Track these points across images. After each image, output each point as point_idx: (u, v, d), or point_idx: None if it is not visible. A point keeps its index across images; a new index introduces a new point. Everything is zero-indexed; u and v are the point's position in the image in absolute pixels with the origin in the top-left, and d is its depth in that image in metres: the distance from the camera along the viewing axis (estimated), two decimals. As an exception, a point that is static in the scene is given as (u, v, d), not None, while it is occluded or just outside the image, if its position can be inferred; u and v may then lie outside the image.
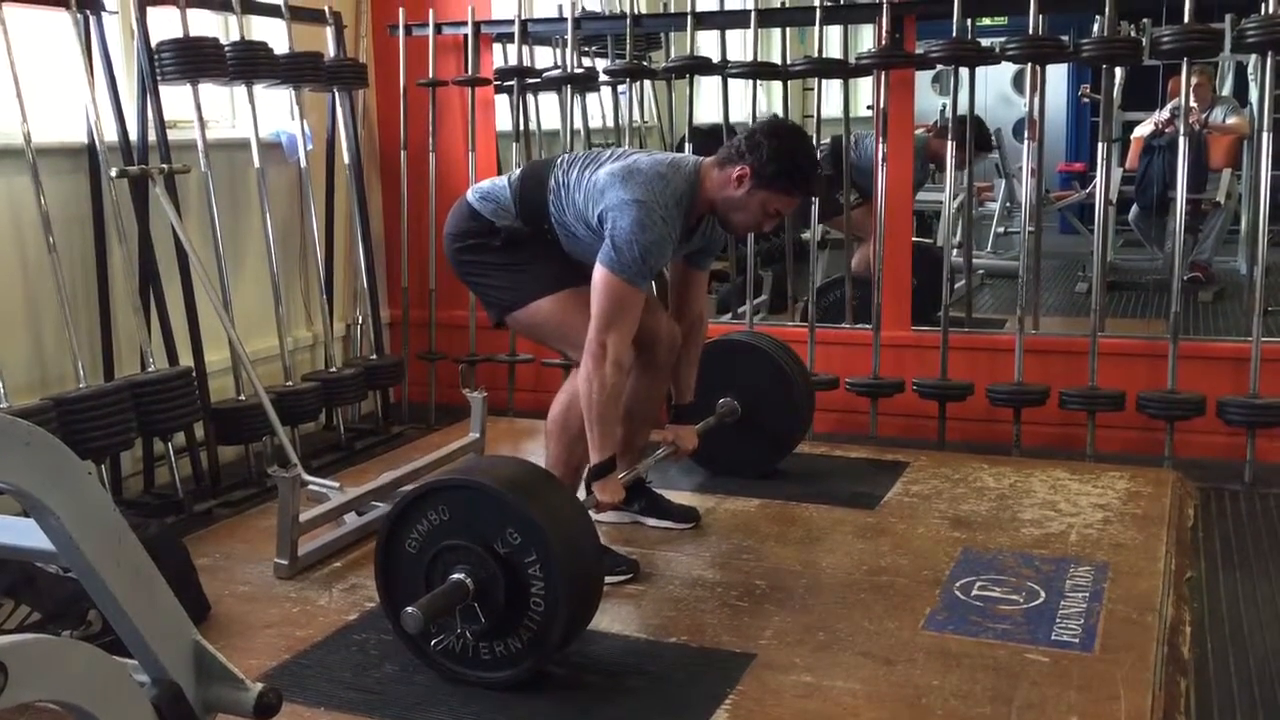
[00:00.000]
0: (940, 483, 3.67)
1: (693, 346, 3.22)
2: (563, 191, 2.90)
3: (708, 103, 5.32)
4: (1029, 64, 4.07)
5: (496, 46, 4.90)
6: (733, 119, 4.58)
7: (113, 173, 3.50)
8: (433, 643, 2.39)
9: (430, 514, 2.39)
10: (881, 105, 4.20)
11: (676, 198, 2.82)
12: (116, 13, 3.75)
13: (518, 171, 3.12)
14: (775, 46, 4.56)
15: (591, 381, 2.76)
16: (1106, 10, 3.85)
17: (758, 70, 4.45)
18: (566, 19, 4.63)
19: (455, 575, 2.34)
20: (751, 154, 2.82)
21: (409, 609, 2.27)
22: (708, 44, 4.60)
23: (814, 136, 4.74)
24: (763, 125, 2.99)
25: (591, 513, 2.75)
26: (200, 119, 3.78)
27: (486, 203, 3.00)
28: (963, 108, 4.20)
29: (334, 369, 4.34)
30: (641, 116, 5.80)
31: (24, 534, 1.54)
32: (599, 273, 2.77)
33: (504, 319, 3.08)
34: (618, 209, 2.76)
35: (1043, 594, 2.80)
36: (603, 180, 2.82)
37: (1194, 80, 4.70)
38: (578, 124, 4.89)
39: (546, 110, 5.36)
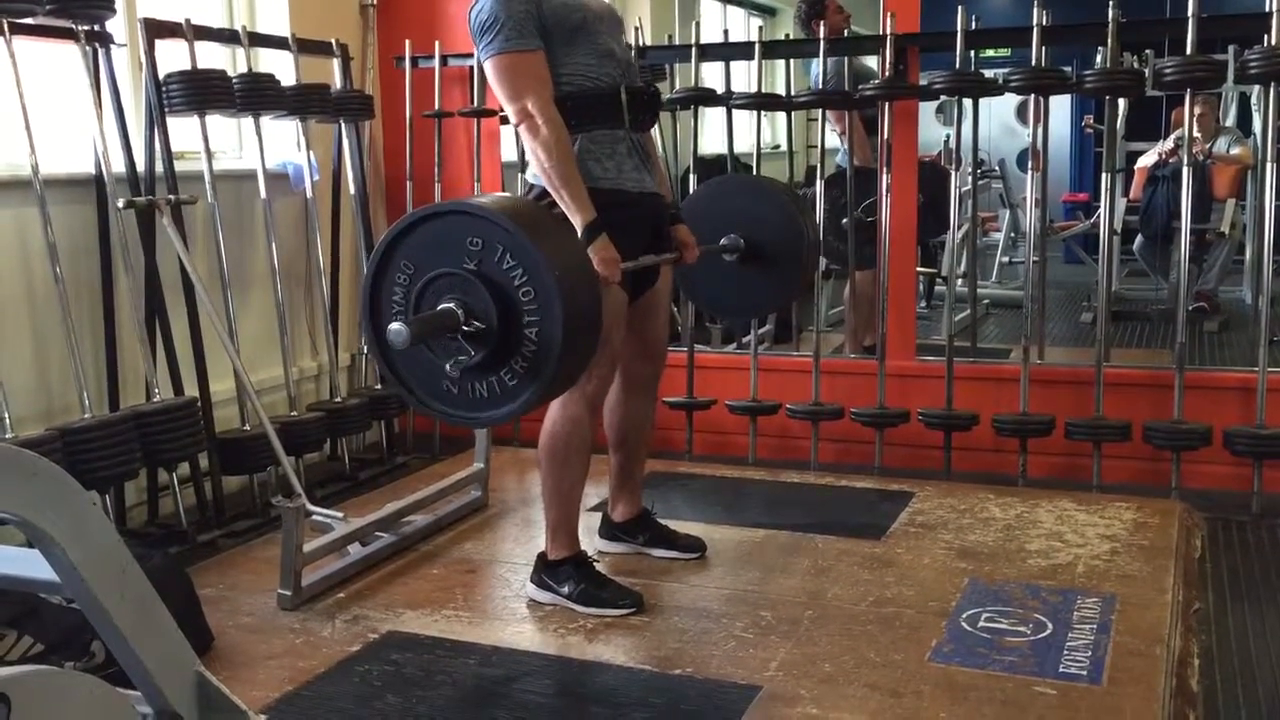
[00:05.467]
0: (946, 513, 3.66)
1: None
2: None
3: (712, 133, 5.34)
4: (1032, 95, 4.08)
5: (502, 78, 4.92)
6: (737, 149, 4.60)
7: (120, 203, 3.51)
8: (442, 382, 2.32)
9: (409, 253, 2.33)
10: (885, 136, 4.21)
11: None
12: (125, 45, 3.78)
13: None
14: (780, 77, 4.59)
15: (537, 152, 2.70)
16: (1109, 42, 3.87)
17: (762, 101, 4.47)
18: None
19: (444, 304, 2.29)
20: None
21: (394, 324, 2.21)
22: (712, 75, 4.63)
23: (819, 168, 4.76)
24: None
25: None
26: (207, 150, 3.80)
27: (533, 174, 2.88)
28: (967, 138, 4.22)
29: (339, 399, 4.34)
30: (646, 147, 5.82)
31: (28, 565, 1.53)
32: (486, 71, 2.77)
33: None
34: (469, 19, 2.77)
35: (1050, 626, 2.78)
36: None
37: (1197, 111, 4.71)
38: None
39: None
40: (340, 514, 3.43)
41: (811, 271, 3.70)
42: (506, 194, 2.53)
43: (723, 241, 3.40)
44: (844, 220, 4.65)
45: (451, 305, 2.29)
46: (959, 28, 3.99)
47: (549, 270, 2.24)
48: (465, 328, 2.30)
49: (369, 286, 2.41)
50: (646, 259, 2.93)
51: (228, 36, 4.04)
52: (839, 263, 5.18)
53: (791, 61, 4.72)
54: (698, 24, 4.60)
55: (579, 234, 2.68)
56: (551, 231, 2.36)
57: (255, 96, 3.92)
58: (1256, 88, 6.06)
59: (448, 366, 2.33)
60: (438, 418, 2.34)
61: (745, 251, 3.42)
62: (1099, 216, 4.77)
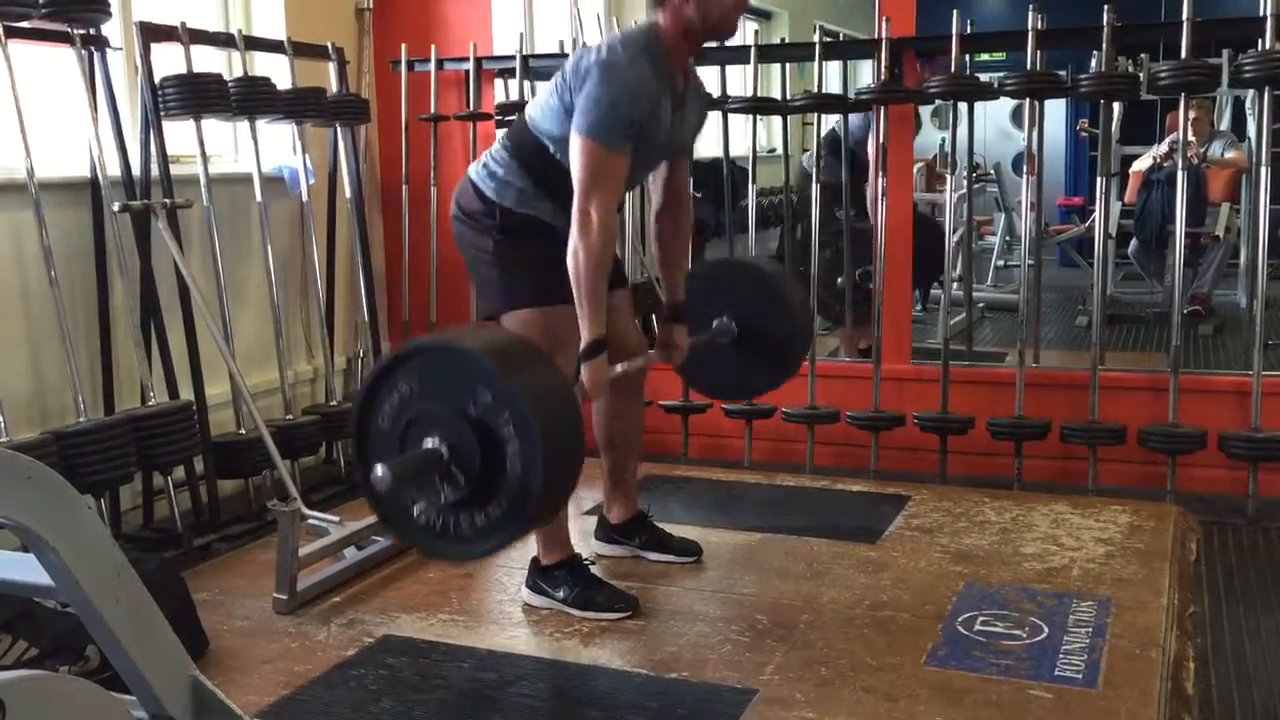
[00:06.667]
0: (942, 516, 3.66)
1: (680, 237, 3.13)
2: (539, 102, 2.85)
3: (708, 137, 5.34)
4: (1027, 99, 4.09)
5: (498, 81, 4.93)
6: (733, 153, 4.61)
7: (115, 207, 3.50)
8: (415, 513, 2.27)
9: (401, 385, 2.26)
10: (881, 140, 4.22)
11: (640, 47, 2.73)
12: (120, 49, 3.77)
13: (500, 137, 3.06)
14: (775, 81, 4.59)
15: (579, 253, 2.67)
16: (1104, 46, 3.88)
17: (758, 105, 4.48)
18: (568, 54, 4.65)
19: (427, 443, 2.23)
20: None
21: (378, 467, 2.16)
22: (708, 79, 4.63)
23: (814, 171, 4.76)
24: None
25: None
26: (203, 154, 3.80)
27: (489, 179, 2.89)
28: (962, 142, 4.23)
29: (334, 402, 4.34)
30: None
31: (23, 569, 1.53)
32: (573, 140, 2.71)
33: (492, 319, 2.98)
34: (583, 76, 2.71)
35: (1045, 629, 2.78)
36: (568, 66, 2.79)
37: (1192, 115, 4.71)
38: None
39: (547, 145, 5.38)
40: (336, 518, 3.42)
41: (804, 351, 3.70)
42: (532, 349, 2.47)
43: (715, 325, 3.38)
44: (839, 280, 4.67)
45: (438, 445, 2.20)
46: (954, 32, 4.00)
47: (546, 462, 2.16)
48: (445, 484, 2.22)
49: (357, 433, 2.32)
50: (633, 364, 2.98)
51: (223, 40, 4.04)
52: (833, 319, 5.14)
53: (787, 65, 4.71)
54: (693, 28, 4.59)
55: (583, 344, 2.71)
56: (559, 406, 2.27)
57: (251, 100, 3.92)
58: (1251, 91, 6.08)
59: (415, 508, 2.27)
60: (429, 552, 2.31)
61: (739, 335, 3.39)
62: (1094, 220, 4.77)
